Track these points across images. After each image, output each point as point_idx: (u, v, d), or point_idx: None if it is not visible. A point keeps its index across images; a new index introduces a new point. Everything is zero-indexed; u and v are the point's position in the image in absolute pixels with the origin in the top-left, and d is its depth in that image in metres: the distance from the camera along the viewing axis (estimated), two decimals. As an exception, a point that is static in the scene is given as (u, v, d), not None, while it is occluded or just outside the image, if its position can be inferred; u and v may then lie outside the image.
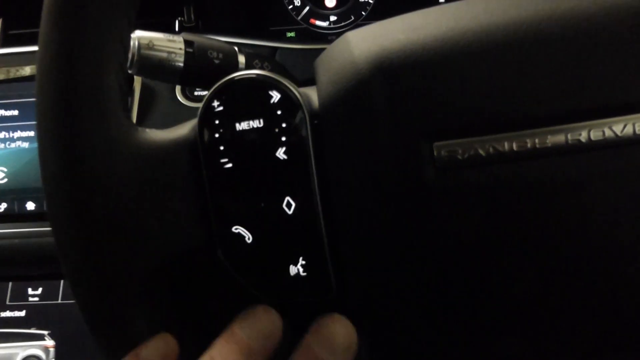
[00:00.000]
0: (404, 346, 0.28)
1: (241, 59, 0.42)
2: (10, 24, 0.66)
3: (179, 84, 0.54)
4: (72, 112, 0.26)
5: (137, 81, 0.55)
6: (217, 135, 0.27)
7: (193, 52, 0.39)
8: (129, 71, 0.38)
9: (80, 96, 0.26)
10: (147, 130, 0.28)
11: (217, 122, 0.27)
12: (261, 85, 0.27)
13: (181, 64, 0.39)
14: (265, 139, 0.27)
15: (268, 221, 0.27)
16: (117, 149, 0.26)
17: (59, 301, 0.58)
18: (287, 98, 0.27)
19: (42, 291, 0.58)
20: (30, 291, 0.58)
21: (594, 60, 0.24)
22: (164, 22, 0.62)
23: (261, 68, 0.44)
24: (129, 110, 0.52)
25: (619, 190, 0.24)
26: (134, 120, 0.54)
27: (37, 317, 0.58)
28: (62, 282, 0.59)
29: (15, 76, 0.59)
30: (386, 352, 0.28)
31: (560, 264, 0.25)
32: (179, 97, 0.55)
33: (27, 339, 0.57)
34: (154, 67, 0.39)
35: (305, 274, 0.27)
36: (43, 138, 0.26)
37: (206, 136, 0.27)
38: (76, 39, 0.25)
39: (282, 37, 0.67)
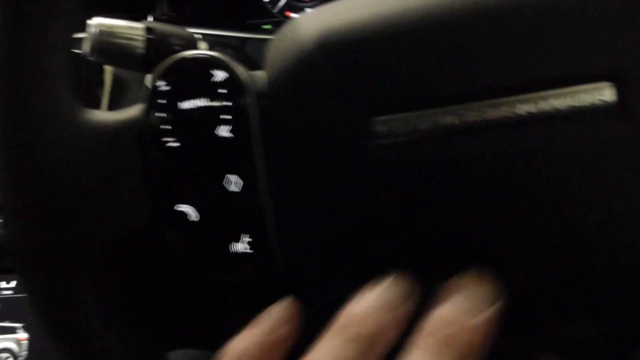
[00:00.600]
0: None
1: (203, 46, 0.42)
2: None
3: (140, 71, 0.54)
4: (16, 92, 0.26)
5: (108, 72, 0.55)
6: (162, 114, 0.27)
7: (154, 39, 0.39)
8: (90, 58, 0.38)
9: (24, 76, 0.26)
10: (96, 111, 0.28)
11: (162, 101, 0.27)
12: (206, 65, 0.27)
13: (142, 51, 0.39)
14: (209, 118, 0.27)
15: (212, 199, 0.27)
16: (63, 128, 0.26)
17: (32, 294, 0.58)
18: (233, 77, 0.27)
19: (16, 284, 0.58)
20: (3, 284, 0.58)
21: (529, 35, 0.25)
22: (138, 17, 0.62)
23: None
24: (83, 92, 0.52)
25: (559, 162, 0.25)
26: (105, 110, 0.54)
27: (11, 311, 0.58)
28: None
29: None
30: None
31: (506, 236, 0.25)
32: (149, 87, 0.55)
33: (-1, 332, 0.57)
34: (114, 53, 0.38)
35: (251, 251, 0.27)
36: None
37: (151, 116, 0.27)
38: (18, 17, 0.26)
39: (257, 30, 0.68)
